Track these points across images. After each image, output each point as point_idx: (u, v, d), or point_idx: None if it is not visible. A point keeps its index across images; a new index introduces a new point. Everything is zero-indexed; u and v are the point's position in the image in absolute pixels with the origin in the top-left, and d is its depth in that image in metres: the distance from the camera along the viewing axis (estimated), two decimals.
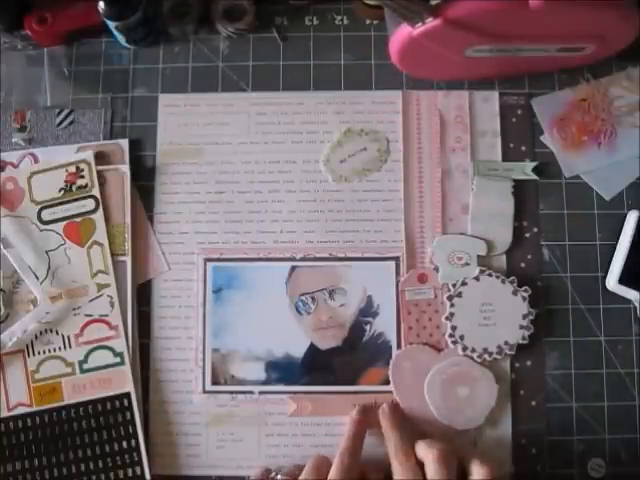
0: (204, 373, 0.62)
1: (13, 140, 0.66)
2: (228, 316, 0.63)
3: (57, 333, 0.62)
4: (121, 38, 0.66)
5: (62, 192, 0.64)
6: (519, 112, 0.66)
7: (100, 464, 0.60)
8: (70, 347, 0.62)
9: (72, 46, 0.68)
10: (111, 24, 0.63)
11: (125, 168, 0.64)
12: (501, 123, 0.66)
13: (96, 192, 0.64)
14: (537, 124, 0.66)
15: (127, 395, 0.61)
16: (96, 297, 0.62)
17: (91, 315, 0.62)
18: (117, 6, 0.62)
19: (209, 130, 0.66)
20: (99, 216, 0.63)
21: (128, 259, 0.63)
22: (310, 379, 0.62)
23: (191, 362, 0.63)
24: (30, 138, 0.66)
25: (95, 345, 0.62)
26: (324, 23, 0.68)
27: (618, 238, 0.63)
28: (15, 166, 0.65)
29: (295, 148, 0.66)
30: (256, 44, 0.68)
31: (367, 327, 0.63)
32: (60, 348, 0.62)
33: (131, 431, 0.61)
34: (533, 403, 0.62)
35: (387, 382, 0.62)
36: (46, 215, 0.64)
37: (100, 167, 0.64)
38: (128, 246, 0.63)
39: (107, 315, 0.62)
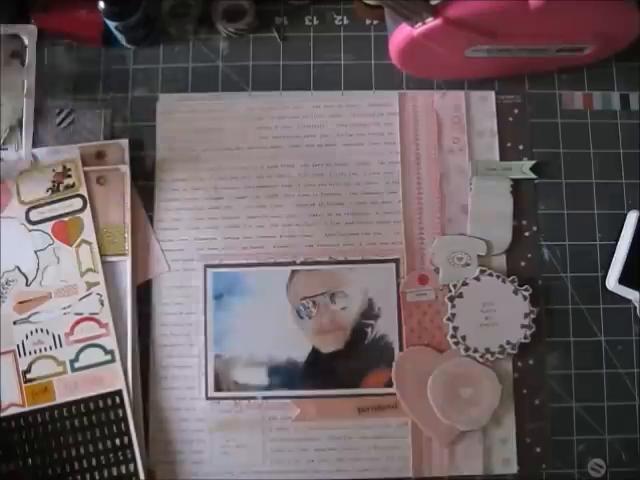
0: (207, 379, 0.62)
1: None
2: (230, 322, 0.63)
3: (47, 332, 0.61)
4: (121, 38, 0.65)
5: (50, 192, 0.63)
6: (516, 111, 0.66)
7: (94, 462, 0.60)
8: (61, 346, 0.61)
9: (72, 46, 0.67)
10: (111, 24, 0.63)
11: (125, 168, 0.64)
12: (498, 122, 0.66)
13: (83, 191, 0.63)
14: (534, 123, 0.66)
15: (119, 392, 0.60)
16: (86, 295, 0.62)
17: (81, 313, 0.62)
18: (117, 6, 0.61)
19: (209, 132, 0.66)
20: (87, 215, 0.63)
21: (128, 259, 0.62)
22: (313, 383, 0.62)
23: (194, 369, 0.62)
24: None
25: (86, 343, 0.61)
26: (324, 23, 0.68)
27: (618, 238, 0.64)
28: None
29: (293, 152, 0.66)
30: (256, 44, 0.68)
31: (369, 330, 0.63)
32: (51, 347, 0.61)
33: (123, 428, 0.60)
34: (536, 402, 0.62)
35: (390, 384, 0.61)
36: (34, 215, 0.63)
37: (100, 167, 0.64)
38: (128, 246, 0.62)
39: (97, 313, 0.62)
